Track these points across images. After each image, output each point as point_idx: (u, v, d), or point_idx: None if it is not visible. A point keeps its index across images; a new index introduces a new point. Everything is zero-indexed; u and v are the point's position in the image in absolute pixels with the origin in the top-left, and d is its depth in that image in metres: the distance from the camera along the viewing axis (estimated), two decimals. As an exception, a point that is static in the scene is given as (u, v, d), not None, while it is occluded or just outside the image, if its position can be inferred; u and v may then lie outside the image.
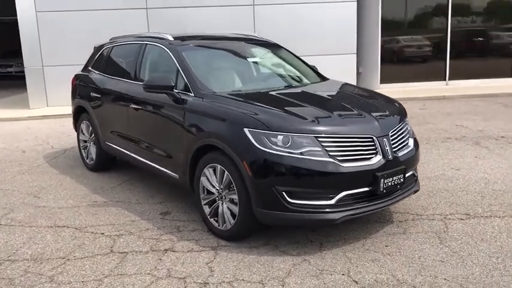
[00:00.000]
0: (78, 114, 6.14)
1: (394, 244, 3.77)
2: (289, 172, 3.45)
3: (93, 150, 5.92)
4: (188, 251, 3.74)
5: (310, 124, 3.58)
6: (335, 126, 3.64)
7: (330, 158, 3.47)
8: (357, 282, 3.21)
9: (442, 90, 11.78)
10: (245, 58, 5.10)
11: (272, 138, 3.51)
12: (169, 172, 4.46)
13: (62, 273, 3.44)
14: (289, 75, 5.03)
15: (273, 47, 5.40)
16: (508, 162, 5.90)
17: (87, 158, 6.08)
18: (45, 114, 10.44)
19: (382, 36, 12.17)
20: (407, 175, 3.87)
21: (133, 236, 4.05)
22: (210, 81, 4.35)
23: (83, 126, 6.06)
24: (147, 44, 5.05)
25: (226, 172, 3.75)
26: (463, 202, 4.63)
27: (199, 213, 4.23)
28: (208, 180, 3.98)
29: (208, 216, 4.04)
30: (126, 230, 4.19)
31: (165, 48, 4.70)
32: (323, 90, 4.70)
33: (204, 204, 4.08)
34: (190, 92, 4.23)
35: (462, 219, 4.22)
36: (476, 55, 13.08)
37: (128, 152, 5.12)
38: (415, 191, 4.13)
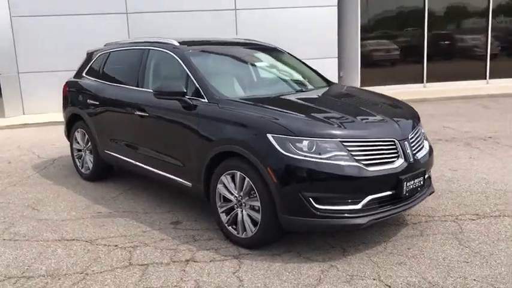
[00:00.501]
0: (72, 122, 5.95)
1: (415, 246, 3.79)
2: (315, 177, 3.42)
3: (89, 159, 5.74)
4: (210, 261, 3.65)
5: (335, 128, 3.56)
6: (359, 130, 3.63)
7: (356, 162, 3.46)
8: (389, 287, 3.21)
9: (420, 93, 12.03)
10: (252, 63, 5.05)
11: (297, 144, 3.47)
12: (181, 180, 4.36)
13: (84, 288, 3.31)
14: (297, 79, 5.02)
15: (277, 52, 5.38)
16: (501, 162, 6.05)
17: (82, 168, 5.89)
18: (25, 122, 10.07)
19: (361, 41, 12.33)
20: (426, 177, 3.90)
21: (150, 247, 3.93)
22: (221, 86, 4.27)
23: (77, 134, 5.87)
24: (149, 49, 4.93)
25: (247, 179, 3.69)
26: (470, 203, 4.71)
27: (215, 221, 4.14)
28: (226, 188, 3.90)
29: (226, 225, 3.96)
30: (140, 241, 4.06)
31: (172, 54, 4.60)
32: (336, 94, 4.70)
33: (221, 212, 4.00)
34: (202, 97, 4.15)
35: (473, 220, 4.29)
36: (451, 58, 13.41)
37: (131, 161, 4.98)
38: (431, 193, 4.17)
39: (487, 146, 6.92)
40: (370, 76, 12.61)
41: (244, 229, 3.81)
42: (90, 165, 5.72)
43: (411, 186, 3.68)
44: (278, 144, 3.48)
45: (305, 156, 3.43)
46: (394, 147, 3.66)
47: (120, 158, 5.17)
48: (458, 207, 4.62)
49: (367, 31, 12.40)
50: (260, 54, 5.18)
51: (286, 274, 3.41)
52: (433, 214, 4.46)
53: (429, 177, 4.17)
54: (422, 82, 12.99)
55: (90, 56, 5.94)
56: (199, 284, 3.31)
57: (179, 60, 4.50)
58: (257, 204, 3.66)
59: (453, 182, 5.34)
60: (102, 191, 5.43)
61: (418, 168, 3.76)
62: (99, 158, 5.55)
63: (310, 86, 4.87)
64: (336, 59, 11.85)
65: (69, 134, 6.07)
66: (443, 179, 5.47)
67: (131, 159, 4.99)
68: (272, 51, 5.33)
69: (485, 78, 13.27)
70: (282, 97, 4.34)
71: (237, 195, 3.84)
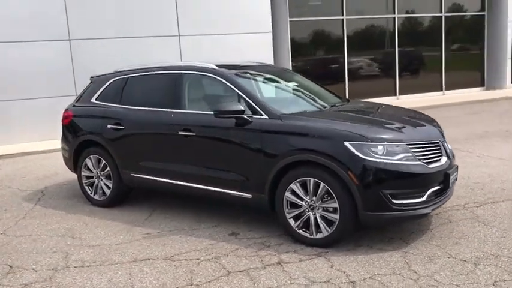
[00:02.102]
0: (81, 149, 5.85)
1: (455, 230, 4.51)
2: (392, 176, 4.00)
3: (105, 185, 5.69)
4: (300, 261, 4.02)
5: (401, 134, 4.20)
6: (415, 134, 4.31)
7: (419, 161, 4.11)
8: (465, 261, 3.86)
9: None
10: (282, 82, 5.50)
11: (372, 149, 4.03)
12: (240, 193, 4.64)
13: (208, 297, 3.49)
14: (321, 95, 5.54)
15: (291, 73, 5.89)
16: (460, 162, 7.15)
17: (95, 194, 5.80)
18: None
19: (292, 60, 13.32)
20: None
21: (231, 257, 4.17)
22: (274, 104, 4.68)
23: (88, 161, 5.79)
24: (184, 73, 5.16)
25: (322, 184, 4.14)
26: (464, 194, 5.57)
27: (283, 227, 4.49)
28: (295, 195, 4.30)
29: (296, 229, 4.35)
30: (217, 252, 4.27)
31: (217, 77, 4.91)
32: (368, 107, 5.35)
33: (289, 218, 4.38)
34: (261, 114, 4.52)
35: (478, 207, 5.14)
36: (368, 78, 14.96)
37: (170, 181, 5.11)
38: (453, 186, 4.96)
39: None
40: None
41: (319, 230, 4.23)
42: (107, 191, 5.68)
43: (452, 179, 4.42)
44: (356, 150, 4.01)
45: (381, 159, 4.00)
46: (439, 147, 4.39)
47: (153, 179, 5.26)
48: (457, 198, 5.46)
49: (295, 52, 13.35)
50: (285, 74, 5.64)
51: (377, 262, 3.91)
52: (444, 206, 5.24)
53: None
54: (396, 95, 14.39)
55: (99, 82, 5.92)
56: (311, 279, 3.67)
57: (226, 82, 4.82)
58: (333, 205, 4.12)
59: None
60: (129, 215, 5.43)
61: (454, 164, 4.53)
62: (120, 183, 5.55)
63: (336, 101, 5.44)
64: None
65: (76, 162, 5.93)
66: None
67: (170, 179, 5.12)
68: (287, 72, 5.84)
69: (396, 95, 15.01)
70: (332, 111, 4.89)
71: (308, 200, 4.26)
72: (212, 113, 4.78)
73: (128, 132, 5.39)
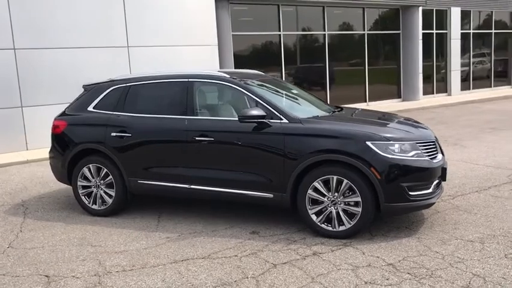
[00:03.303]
0: (77, 160, 5.75)
1: (447, 218, 5.18)
2: (408, 171, 4.55)
3: (106, 193, 5.65)
4: (332, 251, 4.41)
5: (410, 134, 4.79)
6: (420, 134, 4.92)
7: (426, 157, 4.72)
8: (472, 241, 4.50)
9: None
10: (283, 90, 5.87)
11: (390, 147, 4.56)
12: (261, 194, 4.94)
13: (265, 280, 3.75)
14: (317, 103, 5.99)
15: (283, 82, 6.30)
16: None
17: (93, 204, 5.73)
18: None
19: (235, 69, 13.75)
20: (446, 167, 5.38)
21: (267, 252, 4.44)
22: (290, 109, 5.06)
23: (86, 170, 5.71)
24: (194, 81, 5.35)
25: (345, 180, 4.59)
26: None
27: (305, 223, 4.85)
28: (318, 192, 4.71)
29: (319, 223, 4.75)
30: (251, 249, 4.52)
31: (233, 85, 5.17)
32: (367, 112, 5.91)
33: (312, 214, 4.77)
34: (280, 119, 4.87)
35: (462, 195, 5.91)
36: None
37: (183, 185, 5.25)
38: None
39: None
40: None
41: (341, 223, 4.67)
42: (109, 200, 5.65)
43: (446, 173, 5.09)
44: (377, 149, 4.52)
45: (399, 155, 4.54)
46: (435, 145, 5.04)
47: (163, 185, 5.35)
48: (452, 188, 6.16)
49: (240, 65, 13.78)
50: (278, 83, 6.00)
51: (400, 247, 4.42)
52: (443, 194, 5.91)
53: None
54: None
55: (95, 90, 5.87)
56: (354, 265, 4.08)
57: (242, 89, 5.12)
58: (355, 199, 4.58)
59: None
60: (136, 223, 5.46)
61: (445, 161, 5.21)
62: (124, 190, 5.57)
63: (331, 107, 5.93)
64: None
65: (70, 172, 5.82)
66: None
67: (183, 184, 5.25)
68: (280, 81, 6.23)
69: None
70: (340, 115, 5.39)
71: (330, 196, 4.68)
72: (231, 118, 5.07)
73: (135, 140, 5.43)
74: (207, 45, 12.53)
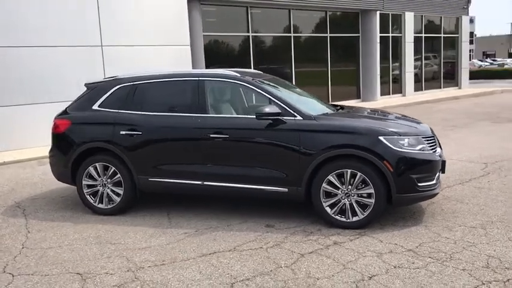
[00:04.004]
0: (81, 159, 5.70)
1: (444, 208, 5.56)
2: (417, 163, 4.88)
3: (113, 192, 5.64)
4: (351, 240, 4.66)
5: (416, 129, 5.13)
6: (423, 129, 5.26)
7: (431, 150, 5.08)
8: (474, 227, 4.88)
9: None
10: (291, 89, 6.06)
11: (400, 141, 4.88)
12: (276, 188, 5.12)
13: (296, 266, 3.94)
14: (319, 101, 6.23)
15: (283, 81, 6.47)
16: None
17: (100, 203, 5.70)
18: None
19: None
20: (443, 161, 5.78)
21: (289, 243, 4.63)
22: (302, 106, 5.27)
23: (92, 169, 5.68)
24: (204, 80, 5.45)
25: (359, 174, 4.86)
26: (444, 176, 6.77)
27: (319, 215, 5.08)
28: (332, 185, 4.96)
29: (333, 215, 4.99)
30: (273, 241, 4.69)
31: (245, 84, 5.33)
32: (368, 110, 6.21)
33: (326, 206, 5.01)
34: (294, 116, 5.08)
35: (449, 187, 6.34)
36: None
37: (196, 182, 5.33)
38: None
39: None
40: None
41: (355, 214, 4.93)
42: (116, 198, 5.64)
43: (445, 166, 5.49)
44: (390, 143, 4.82)
45: (408, 149, 4.87)
46: (434, 139, 5.41)
47: (175, 182, 5.42)
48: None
49: (209, 62, 13.88)
50: (280, 82, 6.17)
51: (412, 234, 4.73)
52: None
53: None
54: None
55: (99, 89, 5.83)
56: (377, 252, 4.35)
57: (255, 88, 5.29)
58: (368, 191, 4.86)
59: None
60: (147, 220, 5.49)
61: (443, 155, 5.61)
62: (132, 189, 5.58)
63: (331, 105, 6.19)
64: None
65: (74, 172, 5.75)
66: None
67: (197, 180, 5.34)
68: (280, 80, 6.39)
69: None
70: (347, 112, 5.66)
71: (344, 189, 4.94)
72: (246, 116, 5.23)
73: (145, 138, 5.47)
74: (180, 45, 12.55)
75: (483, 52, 68.46)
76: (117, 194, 5.65)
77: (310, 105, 5.63)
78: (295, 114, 5.10)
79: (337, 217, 4.99)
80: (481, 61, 50.55)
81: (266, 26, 15.75)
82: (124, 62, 11.43)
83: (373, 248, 4.45)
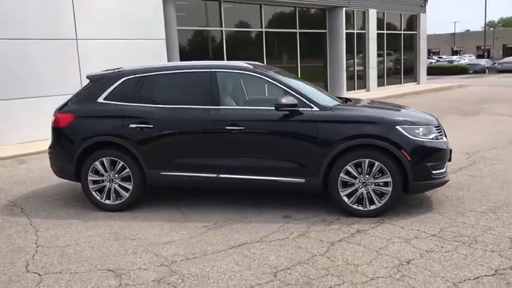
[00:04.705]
0: (86, 154, 5.50)
1: (449, 195, 5.77)
2: (431, 152, 5.04)
3: (121, 187, 5.48)
4: (373, 228, 4.75)
5: (427, 119, 5.28)
6: (431, 119, 5.42)
7: (441, 139, 5.25)
8: (485, 212, 5.09)
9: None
10: (300, 80, 6.07)
11: (416, 131, 5.01)
12: (292, 179, 5.14)
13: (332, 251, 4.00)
14: (326, 93, 6.28)
15: (287, 72, 6.48)
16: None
17: (107, 199, 5.52)
18: None
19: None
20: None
21: (314, 232, 4.67)
22: (316, 98, 5.31)
23: (99, 164, 5.48)
24: (216, 71, 5.38)
25: (376, 163, 4.96)
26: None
27: (337, 204, 5.14)
28: (350, 175, 5.03)
29: (350, 204, 5.07)
30: (297, 232, 4.70)
31: (260, 76, 5.32)
32: (378, 102, 6.33)
33: (343, 196, 5.08)
34: (311, 107, 5.11)
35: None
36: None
37: (212, 175, 5.27)
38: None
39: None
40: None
41: (372, 202, 5.03)
42: (125, 194, 5.48)
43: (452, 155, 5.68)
44: (407, 133, 4.95)
45: (423, 138, 5.01)
46: (441, 129, 5.59)
47: (188, 175, 5.33)
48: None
49: (183, 56, 13.70)
50: (286, 73, 6.18)
51: (429, 221, 4.88)
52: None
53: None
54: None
55: (104, 81, 5.62)
56: (403, 238, 4.45)
57: (270, 80, 5.28)
58: (386, 180, 4.97)
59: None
60: (159, 216, 5.36)
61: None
62: (142, 183, 5.45)
63: (338, 99, 6.25)
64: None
65: (78, 167, 5.54)
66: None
67: (211, 173, 5.27)
68: (285, 71, 6.40)
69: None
70: (359, 103, 5.78)
71: (361, 178, 5.03)
72: (262, 107, 5.23)
73: (157, 131, 5.34)
74: (156, 39, 12.31)
75: (429, 50, 71.53)
76: (126, 190, 5.49)
77: (321, 97, 5.67)
78: (312, 105, 5.13)
79: (354, 206, 5.07)
80: (429, 58, 52.53)
81: (238, 21, 15.72)
82: (100, 56, 11.10)
83: (398, 234, 4.55)
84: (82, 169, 5.54)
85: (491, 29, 76.30)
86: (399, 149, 4.91)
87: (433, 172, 5.06)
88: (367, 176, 5.01)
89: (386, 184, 4.99)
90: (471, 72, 39.17)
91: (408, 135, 4.95)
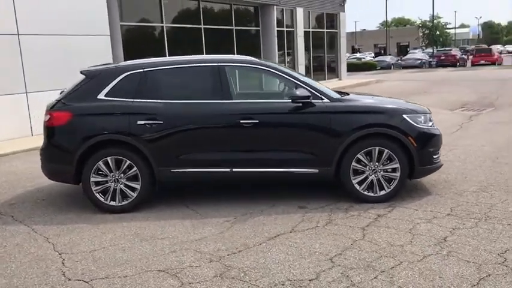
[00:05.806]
0: (88, 154, 5.20)
1: (443, 179, 6.22)
2: (431, 138, 5.42)
3: (127, 187, 5.25)
4: (389, 212, 5.01)
5: (423, 108, 5.66)
6: (426, 108, 5.80)
7: (436, 127, 5.66)
8: (483, 191, 5.57)
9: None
10: (298, 74, 6.15)
11: (418, 119, 5.37)
12: (307, 170, 5.26)
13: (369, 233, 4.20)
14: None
15: (283, 66, 6.57)
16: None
17: (112, 200, 5.26)
18: None
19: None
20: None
21: (338, 219, 4.83)
22: (324, 90, 5.47)
23: (102, 164, 5.21)
24: (225, 65, 5.35)
25: (386, 150, 5.25)
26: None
27: (349, 192, 5.34)
28: (361, 163, 5.27)
29: (362, 191, 5.32)
30: (320, 221, 4.83)
31: (269, 69, 5.39)
32: (372, 94, 6.58)
33: (355, 184, 5.31)
34: (321, 99, 5.27)
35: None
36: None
37: (226, 169, 5.23)
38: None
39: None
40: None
41: (382, 188, 5.31)
42: (132, 194, 5.26)
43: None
44: (412, 121, 5.28)
45: (424, 126, 5.38)
46: (431, 118, 6.02)
47: (200, 171, 5.25)
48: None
49: (129, 55, 13.21)
50: (284, 67, 6.24)
51: (437, 203, 5.24)
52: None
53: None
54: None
55: (103, 77, 5.32)
56: (423, 219, 4.76)
57: (279, 73, 5.37)
58: (394, 166, 5.27)
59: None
60: (172, 214, 5.21)
61: (437, 131, 6.25)
62: (151, 182, 5.27)
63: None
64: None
65: (79, 168, 5.22)
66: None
67: (224, 168, 5.23)
68: (282, 65, 6.49)
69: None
70: (363, 94, 6.00)
71: (372, 166, 5.29)
72: (274, 100, 5.31)
73: (167, 127, 5.18)
74: (101, 34, 11.79)
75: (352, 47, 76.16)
76: (133, 189, 5.27)
77: (327, 89, 5.85)
78: (322, 97, 5.29)
79: (365, 192, 5.31)
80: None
81: (178, 17, 15.45)
82: (44, 52, 10.46)
83: (417, 215, 4.86)
84: (83, 170, 5.23)
85: (384, 28, 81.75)
86: (406, 136, 5.23)
87: (434, 157, 5.45)
88: (377, 163, 5.27)
89: (394, 170, 5.29)
90: (379, 68, 41.89)
91: (413, 123, 5.29)
